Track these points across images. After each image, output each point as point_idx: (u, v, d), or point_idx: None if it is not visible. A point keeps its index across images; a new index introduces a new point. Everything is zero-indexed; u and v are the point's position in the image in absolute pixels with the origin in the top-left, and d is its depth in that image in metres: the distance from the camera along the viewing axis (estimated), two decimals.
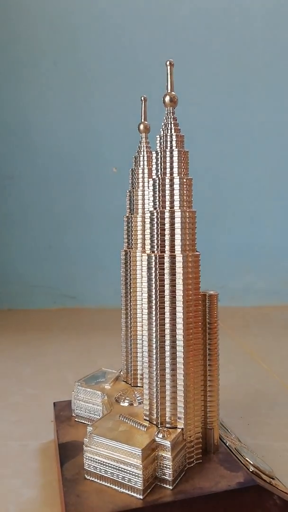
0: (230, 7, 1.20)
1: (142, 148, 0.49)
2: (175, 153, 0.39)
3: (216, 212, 1.24)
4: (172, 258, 0.38)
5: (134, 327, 0.48)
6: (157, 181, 0.40)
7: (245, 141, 1.25)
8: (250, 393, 0.65)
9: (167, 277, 0.38)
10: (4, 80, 1.22)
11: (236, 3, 1.20)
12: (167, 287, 0.38)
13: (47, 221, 1.26)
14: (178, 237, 0.38)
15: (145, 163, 0.49)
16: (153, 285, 0.39)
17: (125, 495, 0.35)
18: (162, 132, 0.40)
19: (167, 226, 0.39)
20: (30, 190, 1.25)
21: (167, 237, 0.39)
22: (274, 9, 1.20)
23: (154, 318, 0.39)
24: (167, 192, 0.39)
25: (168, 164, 0.39)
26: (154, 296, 0.39)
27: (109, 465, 0.36)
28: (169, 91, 0.40)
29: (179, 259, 0.38)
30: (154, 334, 0.39)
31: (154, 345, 0.39)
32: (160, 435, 0.37)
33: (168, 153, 0.39)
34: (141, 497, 0.34)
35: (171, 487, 0.36)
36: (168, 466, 0.36)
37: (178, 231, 0.38)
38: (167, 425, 0.38)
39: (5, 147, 1.24)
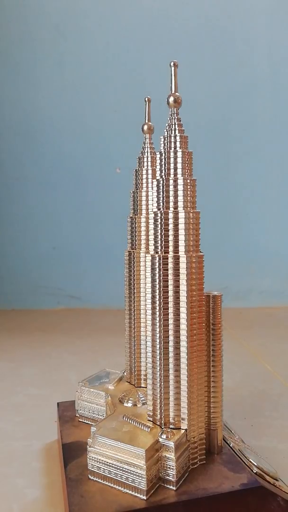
0: (233, 9, 1.20)
1: (146, 148, 0.49)
2: (179, 154, 0.39)
3: (220, 212, 1.24)
4: (176, 259, 0.38)
5: (138, 327, 0.48)
6: (161, 182, 0.40)
7: (249, 142, 1.24)
8: (253, 394, 0.65)
9: (171, 277, 0.38)
10: (9, 81, 1.22)
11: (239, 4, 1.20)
12: (170, 287, 0.38)
13: (51, 221, 1.26)
14: (182, 237, 0.38)
15: (149, 163, 0.49)
16: (157, 285, 0.39)
17: (128, 496, 0.35)
18: (166, 133, 0.40)
19: (171, 227, 0.39)
20: (35, 191, 1.25)
21: (171, 237, 0.39)
22: (276, 9, 1.20)
23: (157, 318, 0.39)
24: (171, 193, 0.39)
25: (172, 165, 0.39)
26: (157, 296, 0.39)
27: (113, 465, 0.36)
28: (173, 92, 0.40)
29: (183, 259, 0.38)
30: (157, 335, 0.39)
31: (157, 346, 0.39)
32: (164, 436, 0.37)
33: (172, 154, 0.39)
34: (144, 497, 0.34)
35: (174, 488, 0.36)
36: (171, 467, 0.36)
37: (182, 232, 0.38)
38: (171, 426, 0.39)
39: (10, 148, 1.25)
